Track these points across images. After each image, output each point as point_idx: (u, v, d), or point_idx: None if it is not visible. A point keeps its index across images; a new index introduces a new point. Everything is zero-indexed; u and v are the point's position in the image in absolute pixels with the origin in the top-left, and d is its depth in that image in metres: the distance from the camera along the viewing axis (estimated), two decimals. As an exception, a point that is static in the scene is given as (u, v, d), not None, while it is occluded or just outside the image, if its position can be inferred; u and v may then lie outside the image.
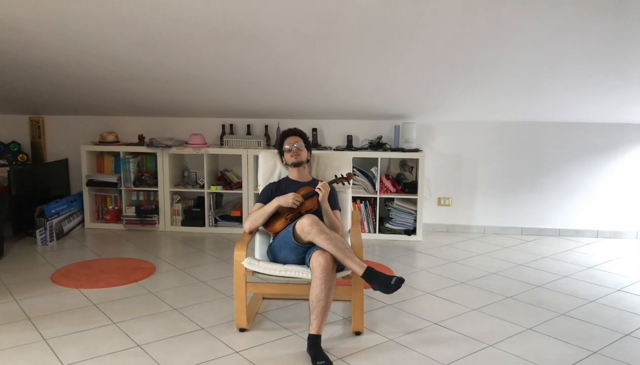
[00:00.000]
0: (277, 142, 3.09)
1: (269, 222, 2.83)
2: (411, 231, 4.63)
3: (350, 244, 2.72)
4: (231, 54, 3.78)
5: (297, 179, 2.97)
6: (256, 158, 4.61)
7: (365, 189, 4.63)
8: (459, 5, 3.11)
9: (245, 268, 2.64)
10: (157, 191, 4.85)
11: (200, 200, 4.97)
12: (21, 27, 3.55)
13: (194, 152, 4.74)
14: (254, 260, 2.68)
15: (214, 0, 3.16)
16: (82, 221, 4.93)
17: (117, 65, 4.00)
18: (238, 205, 4.89)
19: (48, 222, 4.32)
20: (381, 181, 4.62)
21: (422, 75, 4.01)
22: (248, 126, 4.92)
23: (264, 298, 3.17)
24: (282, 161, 3.05)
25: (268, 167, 3.14)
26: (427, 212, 4.89)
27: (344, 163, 3.16)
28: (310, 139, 4.68)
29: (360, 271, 2.45)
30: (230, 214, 4.86)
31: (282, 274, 2.62)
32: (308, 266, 2.54)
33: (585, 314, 3.00)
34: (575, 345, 2.60)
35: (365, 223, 4.65)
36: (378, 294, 3.03)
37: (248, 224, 2.82)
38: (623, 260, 4.10)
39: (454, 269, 3.82)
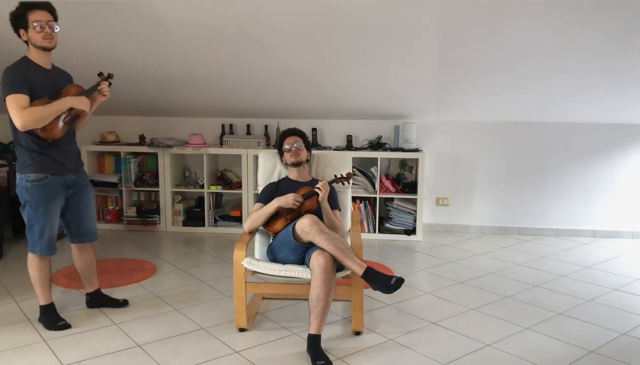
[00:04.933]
0: (277, 142, 3.10)
1: (268, 222, 2.84)
2: (411, 231, 4.64)
3: (350, 244, 2.73)
4: (231, 54, 3.79)
5: (296, 179, 2.98)
6: (256, 158, 4.62)
7: (365, 189, 4.65)
8: (458, 5, 3.12)
9: (245, 268, 2.65)
10: (158, 191, 4.86)
11: (200, 200, 4.98)
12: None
13: (193, 152, 4.75)
14: (254, 260, 2.69)
15: (214, 1, 3.18)
16: (82, 221, 4.93)
17: (117, 65, 4.00)
18: (238, 205, 4.90)
19: (48, 222, 4.32)
20: (381, 181, 4.63)
21: (422, 75, 4.02)
22: (248, 126, 4.93)
23: (263, 298, 3.18)
24: (282, 161, 3.06)
25: (268, 167, 3.15)
26: (426, 212, 4.91)
27: (343, 163, 3.17)
28: (310, 138, 4.69)
29: (360, 271, 2.46)
30: (230, 214, 4.87)
31: (282, 273, 2.63)
32: (308, 266, 2.55)
33: (582, 313, 3.01)
34: (573, 345, 2.61)
35: (365, 223, 4.67)
36: (378, 294, 3.04)
37: (248, 224, 2.83)
38: (620, 259, 4.12)
39: (453, 268, 3.83)
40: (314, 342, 2.44)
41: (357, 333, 2.71)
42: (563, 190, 4.82)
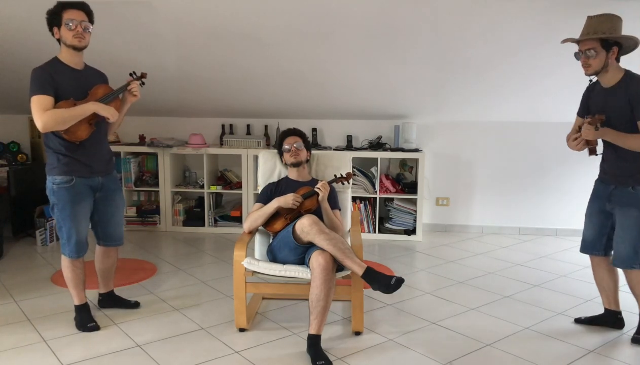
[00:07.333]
0: (277, 142, 3.10)
1: (268, 222, 2.84)
2: (411, 231, 4.64)
3: (349, 244, 2.73)
4: (231, 54, 3.80)
5: (296, 179, 2.98)
6: (256, 158, 4.62)
7: (365, 189, 4.65)
8: (458, 5, 3.12)
9: (245, 268, 2.65)
10: (158, 191, 4.86)
11: (200, 200, 4.99)
12: (22, 26, 3.56)
13: (193, 152, 4.75)
14: (254, 260, 2.69)
15: (214, 0, 3.18)
16: (82, 221, 4.93)
17: (117, 66, 4.00)
18: (238, 205, 4.90)
19: (48, 223, 4.33)
20: (381, 181, 4.63)
21: (422, 75, 4.02)
22: (248, 126, 4.93)
23: (263, 298, 3.18)
24: (282, 161, 3.06)
25: (268, 167, 3.16)
26: (426, 212, 4.91)
27: (343, 163, 3.17)
28: (310, 139, 4.69)
29: (360, 271, 2.46)
30: (230, 214, 4.87)
31: (282, 274, 2.63)
32: (308, 266, 2.55)
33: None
34: (572, 345, 2.61)
35: (365, 223, 4.67)
36: (378, 294, 3.04)
37: (247, 224, 2.83)
38: (621, 259, 4.11)
39: (452, 268, 3.84)
40: (314, 342, 2.44)
41: (357, 333, 2.71)
42: (563, 190, 4.82)
